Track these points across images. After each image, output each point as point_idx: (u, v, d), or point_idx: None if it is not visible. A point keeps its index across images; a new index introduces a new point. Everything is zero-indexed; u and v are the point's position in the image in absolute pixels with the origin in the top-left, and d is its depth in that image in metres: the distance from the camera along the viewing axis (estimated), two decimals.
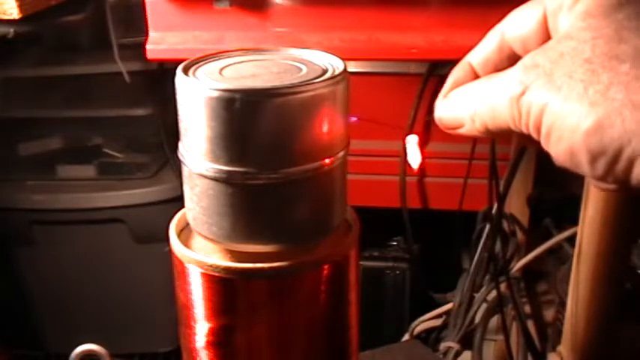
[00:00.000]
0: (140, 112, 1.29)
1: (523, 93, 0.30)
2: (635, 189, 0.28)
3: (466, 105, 0.34)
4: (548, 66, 0.29)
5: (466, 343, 1.01)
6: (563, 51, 0.29)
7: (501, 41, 0.35)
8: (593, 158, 0.28)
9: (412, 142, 0.38)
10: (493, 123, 0.32)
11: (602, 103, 0.27)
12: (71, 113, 1.34)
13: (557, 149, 0.29)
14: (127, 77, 1.17)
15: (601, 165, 0.28)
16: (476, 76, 0.36)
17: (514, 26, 0.35)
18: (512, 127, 0.31)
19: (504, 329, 0.95)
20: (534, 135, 0.30)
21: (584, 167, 0.28)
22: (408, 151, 0.37)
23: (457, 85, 0.36)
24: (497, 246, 1.00)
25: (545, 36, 0.33)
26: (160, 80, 1.20)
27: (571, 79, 0.28)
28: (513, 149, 1.01)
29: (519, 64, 0.31)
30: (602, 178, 0.28)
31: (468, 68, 0.37)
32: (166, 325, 1.31)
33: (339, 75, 0.35)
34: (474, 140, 1.03)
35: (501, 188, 0.95)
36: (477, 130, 0.34)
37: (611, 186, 0.29)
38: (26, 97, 1.32)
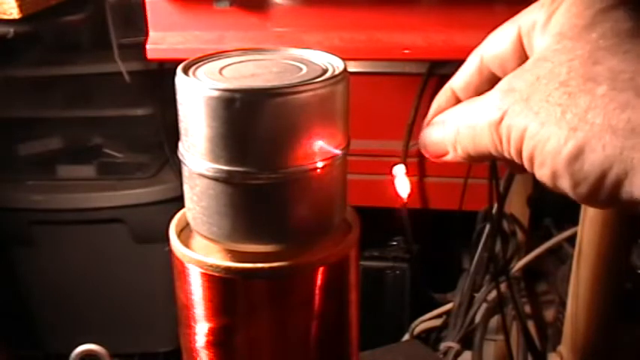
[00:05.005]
0: (140, 112, 1.29)
1: (502, 118, 0.29)
2: (626, 210, 0.28)
3: (448, 131, 0.33)
4: (525, 90, 0.29)
5: (466, 343, 1.01)
6: (540, 74, 0.29)
7: (480, 64, 0.35)
8: (576, 183, 0.27)
9: (400, 172, 0.37)
10: (474, 149, 0.32)
11: (581, 127, 0.27)
12: (71, 113, 1.34)
13: (541, 173, 0.29)
14: (127, 77, 1.17)
15: (584, 190, 0.27)
16: (458, 101, 0.35)
17: (491, 48, 0.34)
18: (494, 152, 0.31)
19: (504, 329, 0.95)
20: (517, 160, 0.30)
21: (567, 191, 0.28)
22: (396, 182, 0.37)
23: (440, 111, 0.35)
24: (498, 246, 1.00)
25: (523, 56, 0.32)
26: (160, 80, 1.20)
27: (548, 104, 0.28)
28: None
29: (496, 88, 0.31)
30: (587, 201, 0.28)
31: (450, 94, 0.36)
32: (166, 325, 1.31)
33: (339, 75, 0.35)
34: None
35: (501, 188, 0.95)
36: (460, 156, 0.33)
37: (599, 207, 0.29)
38: (26, 97, 1.32)
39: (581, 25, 0.29)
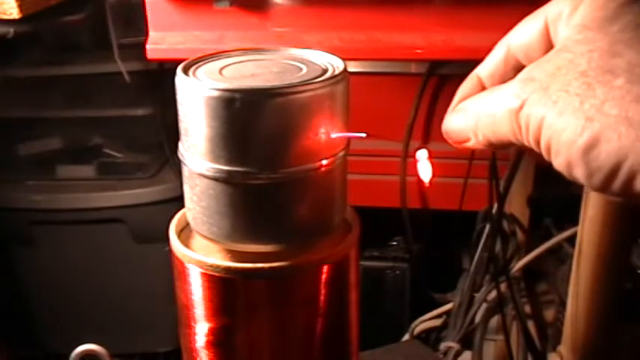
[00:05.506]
0: (140, 112, 1.29)
1: (521, 107, 0.30)
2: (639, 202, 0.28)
3: (469, 118, 0.34)
4: (545, 79, 0.29)
5: (466, 343, 1.01)
6: (560, 64, 0.29)
7: (507, 52, 0.35)
8: (590, 173, 0.28)
9: (422, 156, 0.38)
10: (495, 136, 0.32)
11: (597, 118, 0.27)
12: (71, 113, 1.34)
13: (557, 162, 0.29)
14: (127, 77, 1.16)
15: (598, 179, 0.28)
16: (483, 89, 0.36)
17: (518, 37, 0.35)
18: (514, 140, 0.31)
19: (504, 329, 0.95)
20: (535, 148, 0.30)
21: (582, 181, 0.29)
22: (418, 166, 0.37)
23: (464, 98, 0.36)
24: (498, 246, 1.00)
25: (548, 46, 0.33)
26: (160, 80, 1.20)
27: (567, 94, 0.28)
28: (513, 149, 1.01)
29: (517, 77, 0.31)
30: (601, 191, 0.28)
31: (476, 81, 0.37)
32: (166, 325, 1.31)
33: (339, 75, 0.35)
34: None
35: (501, 188, 0.95)
36: (481, 143, 0.34)
37: (614, 197, 0.29)
38: (26, 97, 1.32)
39: (603, 17, 0.29)
